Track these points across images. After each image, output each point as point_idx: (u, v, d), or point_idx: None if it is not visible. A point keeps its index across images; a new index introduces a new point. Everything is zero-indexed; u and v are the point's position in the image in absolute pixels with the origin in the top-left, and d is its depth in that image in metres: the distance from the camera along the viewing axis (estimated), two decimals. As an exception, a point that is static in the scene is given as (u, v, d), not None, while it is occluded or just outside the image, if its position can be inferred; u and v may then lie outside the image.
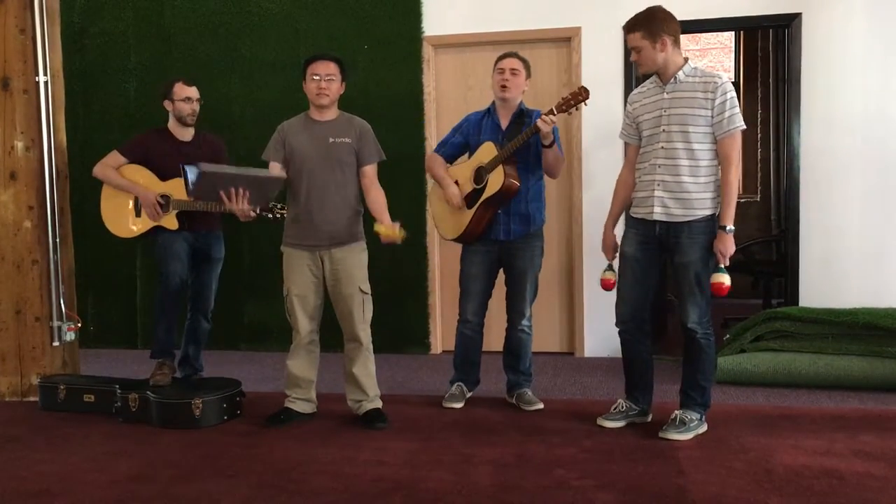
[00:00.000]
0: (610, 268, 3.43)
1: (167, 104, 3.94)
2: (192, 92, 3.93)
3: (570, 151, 4.90)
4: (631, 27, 3.18)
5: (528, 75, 3.69)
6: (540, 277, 4.47)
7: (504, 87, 3.62)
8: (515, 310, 3.73)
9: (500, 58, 3.69)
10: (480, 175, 3.60)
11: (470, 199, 3.63)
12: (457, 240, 3.74)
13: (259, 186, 3.33)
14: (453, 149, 3.78)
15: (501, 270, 3.77)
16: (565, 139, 4.90)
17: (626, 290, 3.34)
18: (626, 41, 4.65)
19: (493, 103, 3.74)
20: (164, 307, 3.88)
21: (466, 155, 3.79)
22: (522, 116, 3.65)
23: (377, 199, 3.47)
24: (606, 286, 3.42)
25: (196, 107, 3.94)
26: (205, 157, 3.94)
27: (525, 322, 3.73)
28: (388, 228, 3.28)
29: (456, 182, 3.69)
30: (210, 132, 4.13)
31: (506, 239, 3.66)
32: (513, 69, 3.63)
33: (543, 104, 3.78)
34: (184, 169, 3.45)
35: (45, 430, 3.54)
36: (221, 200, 3.29)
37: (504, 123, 3.68)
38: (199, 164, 3.26)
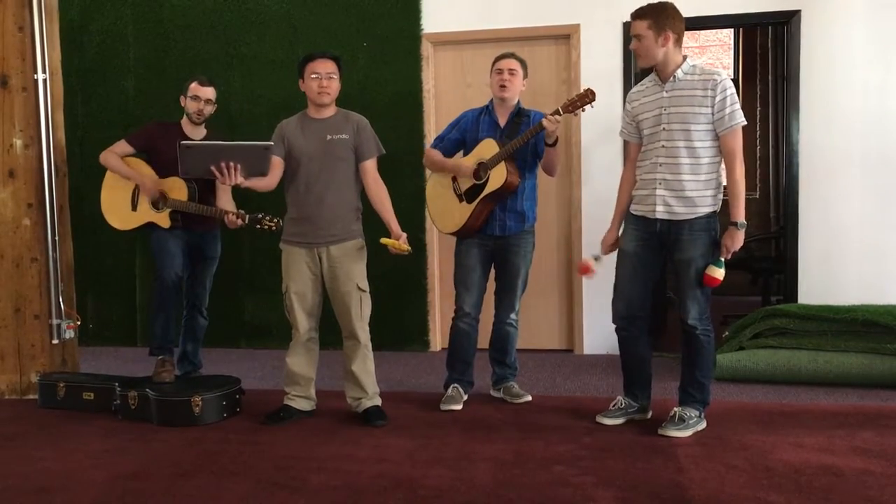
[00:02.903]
0: (596, 258, 3.42)
1: (182, 100, 4.00)
2: (203, 92, 3.95)
3: (569, 149, 4.90)
4: (639, 15, 3.17)
5: (526, 75, 3.74)
6: (539, 274, 4.44)
7: (503, 86, 3.66)
8: (506, 304, 3.77)
9: (499, 58, 3.73)
10: (481, 171, 3.62)
11: (470, 194, 3.65)
12: (455, 233, 3.76)
13: (246, 157, 3.28)
14: (451, 144, 3.80)
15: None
16: (565, 137, 4.89)
17: (623, 287, 3.34)
18: (627, 30, 4.68)
19: (491, 101, 3.78)
20: (159, 304, 3.90)
21: (461, 152, 3.82)
22: (520, 116, 3.70)
23: (383, 201, 3.47)
24: (583, 271, 3.41)
25: (203, 106, 3.95)
26: None
27: (514, 316, 3.79)
28: (394, 243, 3.32)
29: (454, 178, 3.72)
30: (218, 133, 4.13)
31: (501, 234, 3.68)
32: (511, 69, 3.67)
33: (542, 101, 3.79)
34: (179, 148, 3.40)
35: (45, 427, 3.54)
36: (214, 175, 3.25)
37: (502, 122, 3.72)
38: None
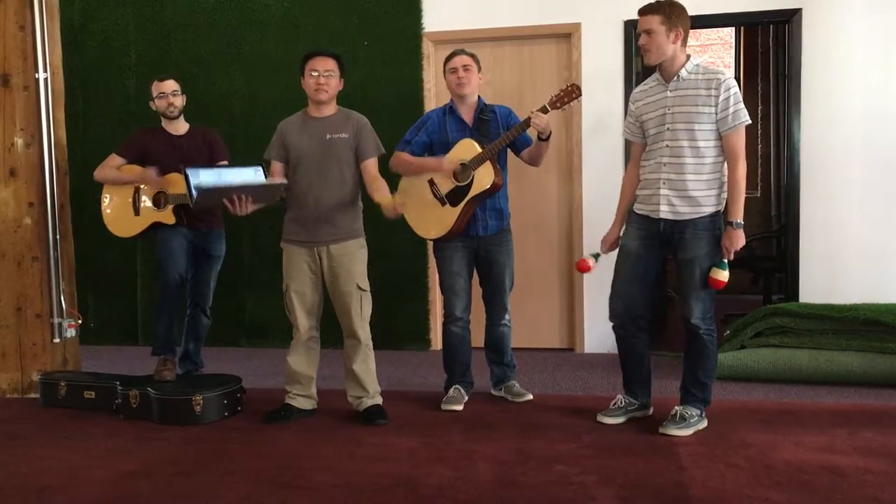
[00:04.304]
0: (596, 256, 3.43)
1: (151, 105, 4.01)
2: (164, 86, 3.97)
3: (569, 148, 4.90)
4: (651, 10, 3.13)
5: (480, 69, 3.72)
6: (540, 273, 4.40)
7: (461, 84, 3.64)
8: (498, 305, 3.76)
9: (450, 57, 3.71)
10: (464, 172, 3.56)
11: (453, 197, 3.59)
12: (441, 238, 3.68)
13: (260, 192, 3.35)
14: (419, 147, 3.72)
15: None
16: (565, 135, 4.90)
17: (621, 285, 3.34)
18: (628, 30, 4.68)
19: (452, 101, 3.74)
20: (163, 303, 3.90)
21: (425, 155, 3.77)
22: (486, 112, 3.68)
23: (381, 186, 3.41)
24: (582, 268, 3.42)
25: (173, 100, 3.96)
26: (199, 149, 3.97)
27: (507, 317, 3.78)
28: (388, 199, 3.27)
29: (431, 182, 3.63)
30: (203, 126, 4.14)
31: (483, 234, 3.67)
32: (465, 65, 3.65)
33: (543, 101, 3.77)
34: (185, 173, 3.37)
35: (46, 426, 3.55)
36: (226, 208, 3.31)
37: (469, 120, 3.69)
38: (198, 180, 3.26)
